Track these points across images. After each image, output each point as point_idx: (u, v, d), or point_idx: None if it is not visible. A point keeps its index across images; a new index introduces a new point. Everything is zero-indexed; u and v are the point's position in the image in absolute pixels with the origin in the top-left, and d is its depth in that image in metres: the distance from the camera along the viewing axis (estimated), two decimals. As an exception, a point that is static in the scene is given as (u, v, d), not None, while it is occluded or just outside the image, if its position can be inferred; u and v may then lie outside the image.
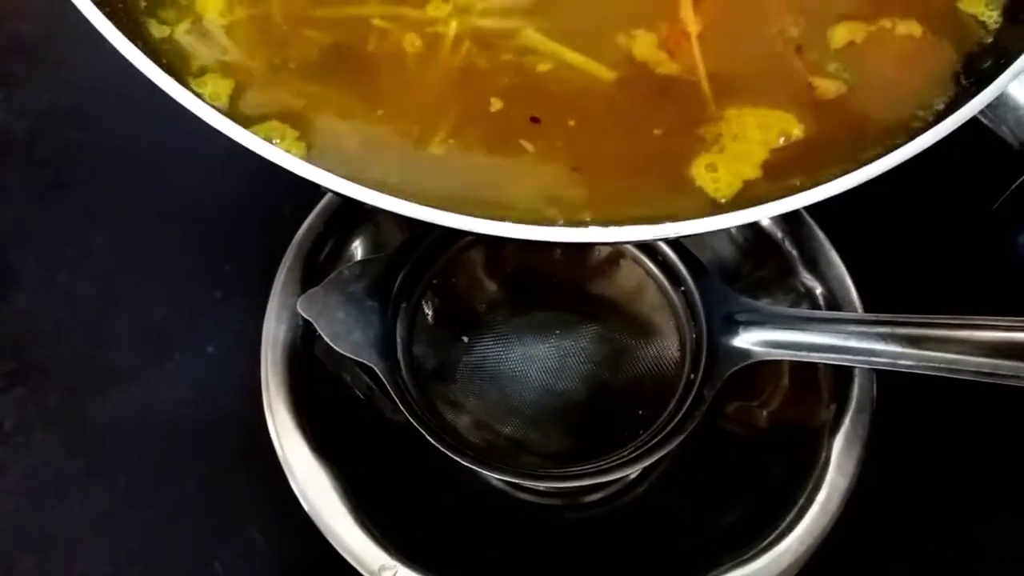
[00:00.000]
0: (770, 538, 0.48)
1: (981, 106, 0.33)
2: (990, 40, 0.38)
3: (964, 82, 0.37)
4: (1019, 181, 0.39)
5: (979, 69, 0.37)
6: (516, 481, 0.50)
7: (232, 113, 0.37)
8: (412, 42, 0.40)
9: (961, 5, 0.39)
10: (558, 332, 0.54)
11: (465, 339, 0.54)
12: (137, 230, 0.61)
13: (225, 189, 0.63)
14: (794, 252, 0.55)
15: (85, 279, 0.60)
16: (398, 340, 0.52)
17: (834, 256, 0.54)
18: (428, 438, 0.47)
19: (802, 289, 0.54)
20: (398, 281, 0.51)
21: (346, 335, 0.48)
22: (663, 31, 0.40)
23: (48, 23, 0.67)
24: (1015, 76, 0.33)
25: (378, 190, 0.32)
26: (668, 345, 0.53)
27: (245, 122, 0.35)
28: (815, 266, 0.54)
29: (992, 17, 0.39)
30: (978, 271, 0.57)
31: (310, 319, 0.48)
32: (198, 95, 0.34)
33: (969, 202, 0.54)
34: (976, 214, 0.42)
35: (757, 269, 0.57)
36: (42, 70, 0.66)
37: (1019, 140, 0.38)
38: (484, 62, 0.40)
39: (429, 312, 0.54)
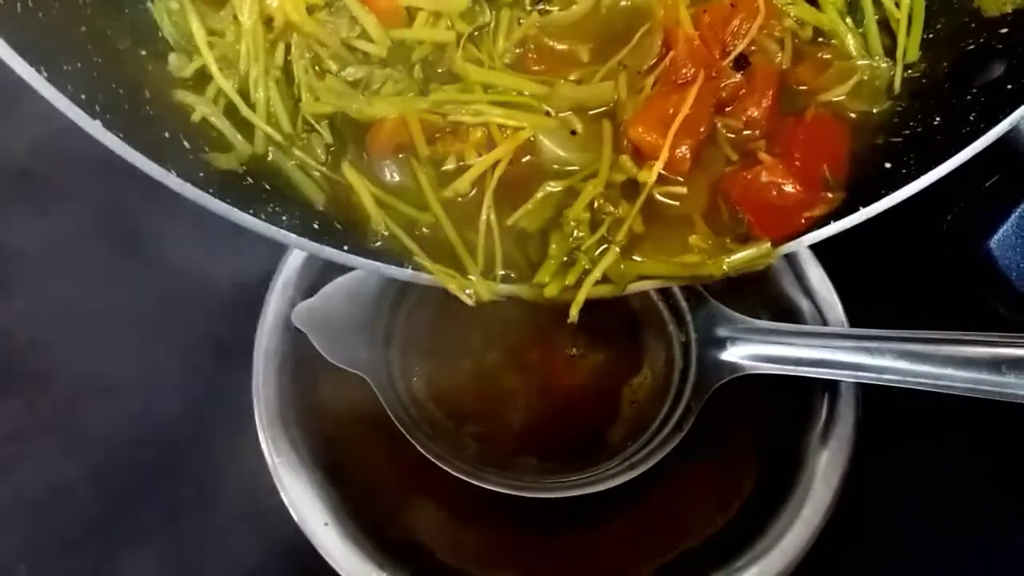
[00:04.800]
0: (755, 551, 0.49)
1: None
2: None
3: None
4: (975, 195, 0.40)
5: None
6: (508, 492, 0.50)
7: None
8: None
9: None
10: (553, 344, 0.55)
11: (460, 349, 0.55)
12: (132, 240, 0.61)
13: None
14: (780, 266, 0.55)
15: (81, 290, 0.60)
16: (393, 351, 0.52)
17: (819, 271, 0.55)
18: (421, 450, 0.48)
19: (788, 303, 0.55)
20: (394, 292, 0.51)
21: (341, 347, 0.49)
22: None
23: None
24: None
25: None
26: (656, 358, 0.53)
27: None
28: (801, 281, 0.55)
29: None
30: (956, 283, 0.57)
31: (305, 330, 0.48)
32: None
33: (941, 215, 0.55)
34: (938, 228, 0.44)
35: (744, 284, 0.57)
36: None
37: None
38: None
39: (424, 323, 0.54)
